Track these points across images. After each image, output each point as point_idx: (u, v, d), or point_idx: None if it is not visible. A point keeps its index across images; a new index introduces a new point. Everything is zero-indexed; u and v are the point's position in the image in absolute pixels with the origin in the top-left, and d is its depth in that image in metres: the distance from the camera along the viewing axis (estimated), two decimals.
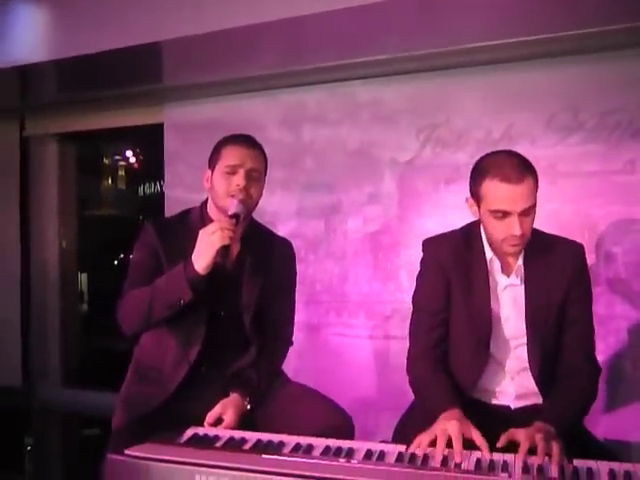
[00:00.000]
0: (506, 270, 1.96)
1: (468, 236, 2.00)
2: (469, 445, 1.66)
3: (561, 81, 2.83)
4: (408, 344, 2.06)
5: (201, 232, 1.93)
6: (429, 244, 2.07)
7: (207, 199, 2.18)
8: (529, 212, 1.82)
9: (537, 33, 2.63)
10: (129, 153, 4.54)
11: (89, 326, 4.42)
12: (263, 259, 2.19)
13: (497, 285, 1.96)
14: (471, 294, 1.96)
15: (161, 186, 3.73)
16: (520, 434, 1.65)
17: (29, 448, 3.73)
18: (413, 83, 3.09)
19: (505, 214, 1.81)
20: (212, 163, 2.14)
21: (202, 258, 1.91)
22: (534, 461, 1.57)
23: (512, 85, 2.90)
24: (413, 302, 2.08)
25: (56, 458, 4.09)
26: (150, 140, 3.76)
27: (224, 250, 1.90)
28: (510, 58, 2.87)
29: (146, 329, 2.09)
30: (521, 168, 1.81)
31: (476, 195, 1.89)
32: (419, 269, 2.08)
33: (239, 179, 2.05)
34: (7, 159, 4.11)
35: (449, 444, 1.64)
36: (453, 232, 2.07)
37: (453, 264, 1.98)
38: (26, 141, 4.14)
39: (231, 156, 2.09)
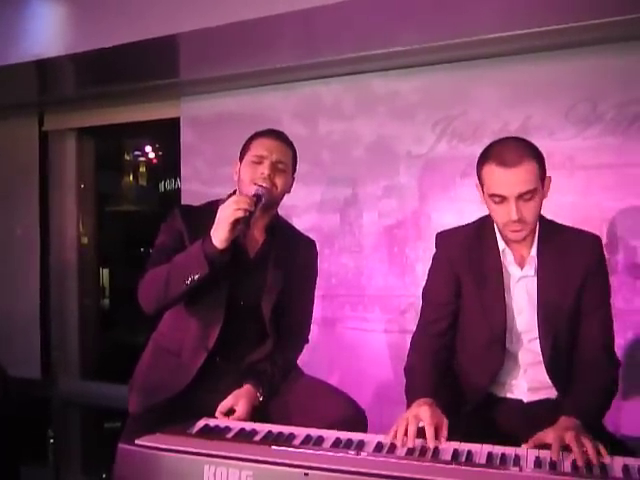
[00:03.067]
0: (519, 262, 1.94)
1: (481, 228, 2.00)
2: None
3: (579, 72, 2.79)
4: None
5: (220, 208, 1.95)
6: (441, 238, 2.07)
7: (234, 191, 2.20)
8: (529, 197, 1.80)
9: (554, 23, 2.59)
10: (148, 148, 4.55)
11: (111, 321, 4.46)
12: (287, 253, 2.21)
13: (510, 277, 1.94)
14: (485, 287, 1.94)
15: (181, 184, 3.74)
16: (549, 436, 1.62)
17: (52, 441, 3.79)
18: (429, 75, 3.07)
19: (502, 198, 1.81)
20: (242, 156, 2.18)
21: (219, 231, 1.92)
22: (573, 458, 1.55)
23: (529, 77, 2.87)
24: (422, 296, 2.09)
25: (77, 450, 4.15)
26: (170, 135, 3.78)
27: (240, 223, 1.90)
28: (527, 49, 2.83)
29: (165, 307, 2.09)
30: (519, 152, 1.80)
31: (480, 180, 1.90)
32: (431, 263, 2.08)
33: (264, 168, 2.09)
34: (27, 154, 4.14)
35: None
36: (466, 226, 2.06)
37: (464, 258, 1.97)
38: (45, 136, 4.17)
39: (259, 147, 2.14)
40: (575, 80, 2.80)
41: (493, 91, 2.95)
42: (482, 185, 1.89)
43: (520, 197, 1.79)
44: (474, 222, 2.05)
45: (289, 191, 2.23)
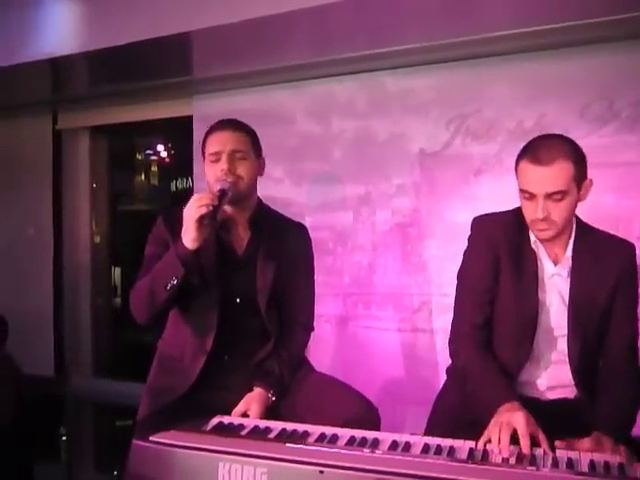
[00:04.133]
0: (553, 258, 1.92)
1: (518, 218, 1.94)
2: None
3: (595, 70, 2.76)
4: (451, 324, 2.02)
5: (185, 208, 1.93)
6: (478, 221, 2.02)
7: None
8: (559, 197, 1.77)
9: (569, 20, 2.56)
10: (161, 147, 4.55)
11: (122, 319, 4.46)
12: (276, 243, 2.18)
13: (544, 272, 1.92)
14: (520, 276, 1.91)
15: (194, 182, 3.74)
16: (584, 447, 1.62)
17: (64, 438, 3.80)
18: (443, 73, 3.04)
19: (531, 196, 1.80)
20: (203, 155, 2.17)
21: (187, 232, 1.91)
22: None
23: (544, 74, 2.84)
24: (459, 279, 2.03)
25: (89, 447, 4.16)
26: (182, 133, 3.78)
27: (206, 220, 1.88)
28: (542, 46, 2.80)
29: (155, 315, 2.08)
30: (556, 151, 1.78)
31: (516, 174, 1.88)
32: (467, 246, 2.03)
33: (223, 163, 2.07)
34: (40, 153, 4.16)
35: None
36: (504, 212, 2.02)
37: (504, 242, 1.93)
38: (59, 135, 4.18)
39: (213, 144, 2.12)
40: (591, 77, 2.77)
41: (507, 89, 2.92)
42: (517, 179, 1.87)
43: (549, 196, 1.77)
44: (510, 211, 2.00)
45: (261, 174, 2.21)
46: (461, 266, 2.04)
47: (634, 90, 2.70)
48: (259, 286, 2.14)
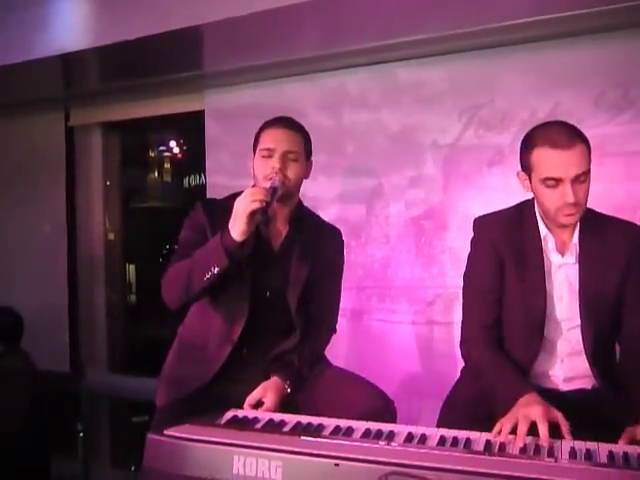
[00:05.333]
0: (560, 249, 1.91)
1: (521, 214, 1.95)
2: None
3: (609, 58, 2.73)
4: (460, 326, 2.02)
5: (236, 201, 1.93)
6: (480, 223, 2.02)
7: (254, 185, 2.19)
8: (582, 179, 1.77)
9: (584, 7, 2.53)
10: (173, 143, 4.56)
11: (137, 316, 4.48)
12: (312, 243, 2.19)
13: (551, 264, 1.91)
14: (525, 273, 1.90)
15: (206, 177, 3.74)
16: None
17: (81, 435, 3.82)
18: (455, 63, 3.02)
19: (557, 181, 1.77)
20: (254, 149, 2.16)
21: (236, 224, 1.91)
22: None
23: (558, 63, 2.81)
24: (465, 283, 2.04)
25: (106, 443, 4.18)
26: (194, 129, 3.78)
27: (257, 215, 1.88)
28: (556, 34, 2.77)
29: (187, 302, 2.08)
30: (570, 134, 1.78)
31: (527, 167, 1.85)
32: (470, 249, 2.04)
33: (274, 162, 2.06)
34: (53, 150, 4.17)
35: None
36: (505, 210, 2.02)
37: (505, 242, 1.93)
38: (71, 132, 4.19)
39: (267, 140, 2.11)
40: (605, 66, 2.74)
41: (520, 78, 2.89)
42: (530, 171, 1.85)
43: (576, 179, 1.76)
44: (512, 207, 2.01)
45: (307, 176, 2.21)
46: (466, 268, 2.05)
47: None
48: (291, 282, 2.14)
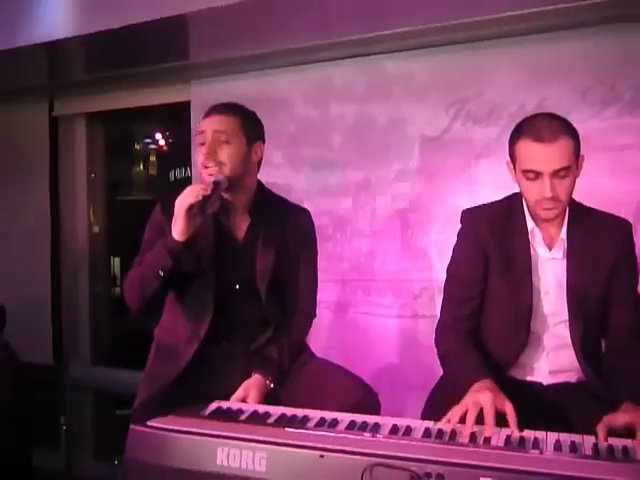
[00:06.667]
0: (548, 243, 1.90)
1: (509, 207, 1.95)
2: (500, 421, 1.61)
3: (597, 52, 2.72)
4: (438, 316, 2.02)
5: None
6: (467, 215, 2.02)
7: None
8: (562, 174, 1.76)
9: (571, 1, 2.52)
10: (158, 135, 4.52)
11: (121, 308, 4.45)
12: (277, 228, 2.14)
13: (538, 258, 1.90)
14: (511, 267, 1.90)
15: (192, 169, 3.71)
16: (620, 419, 1.58)
17: (64, 427, 3.79)
18: (443, 56, 3.00)
19: (537, 174, 1.77)
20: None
21: (176, 223, 1.90)
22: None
23: (545, 57, 2.80)
24: (447, 273, 2.04)
25: (89, 436, 4.15)
26: (180, 120, 3.75)
27: (195, 209, 1.85)
28: (543, 28, 2.76)
29: (147, 303, 2.06)
30: (556, 128, 1.77)
31: (512, 157, 1.86)
32: (456, 240, 2.03)
33: (205, 148, 2.02)
34: (37, 140, 4.12)
35: (480, 418, 1.59)
36: (493, 203, 2.02)
37: (492, 236, 1.92)
38: (55, 123, 4.14)
39: (198, 127, 2.08)
40: (592, 60, 2.73)
41: (508, 72, 2.89)
42: (514, 162, 1.85)
43: (555, 174, 1.75)
44: (501, 200, 2.01)
45: (258, 160, 2.14)
46: (450, 259, 2.05)
47: (636, 73, 2.67)
48: (259, 271, 2.11)
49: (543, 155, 1.75)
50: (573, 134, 1.80)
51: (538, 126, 1.78)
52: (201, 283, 2.07)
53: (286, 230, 2.16)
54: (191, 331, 2.08)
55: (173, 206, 1.96)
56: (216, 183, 1.94)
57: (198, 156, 2.05)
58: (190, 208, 1.85)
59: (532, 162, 1.77)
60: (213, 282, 2.07)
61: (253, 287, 2.11)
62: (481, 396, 1.63)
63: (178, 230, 1.89)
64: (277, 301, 2.15)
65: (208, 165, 2.00)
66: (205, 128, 2.04)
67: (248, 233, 2.13)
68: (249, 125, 2.11)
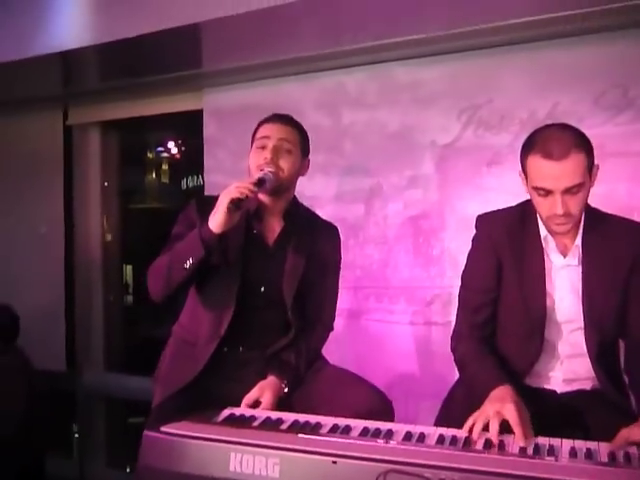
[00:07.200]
0: (562, 250, 1.88)
1: (523, 213, 1.93)
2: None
3: (609, 57, 2.71)
4: (454, 323, 2.01)
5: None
6: (482, 221, 2.00)
7: None
8: (575, 190, 1.72)
9: (583, 7, 2.52)
10: (171, 144, 4.55)
11: (134, 317, 4.47)
12: (308, 239, 2.18)
13: (552, 265, 1.88)
14: (525, 274, 1.88)
15: (204, 176, 3.73)
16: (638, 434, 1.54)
17: (77, 435, 3.81)
18: (454, 63, 3.00)
19: (547, 192, 1.73)
20: (251, 144, 2.17)
21: (215, 215, 1.90)
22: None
23: (557, 63, 2.80)
24: (462, 280, 2.02)
25: (101, 443, 4.16)
26: (192, 129, 3.77)
27: (234, 204, 1.87)
28: (555, 34, 2.75)
29: (170, 294, 2.05)
30: (567, 143, 1.71)
31: (524, 170, 1.83)
32: (471, 246, 2.02)
33: (267, 152, 2.07)
34: (51, 149, 4.15)
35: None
36: (508, 209, 2.00)
37: (507, 242, 1.90)
38: (69, 131, 4.18)
39: (262, 132, 2.13)
40: (605, 65, 2.72)
41: (520, 78, 2.88)
42: (526, 176, 1.82)
43: (567, 191, 1.71)
44: (515, 206, 1.99)
45: (303, 174, 2.21)
46: (465, 265, 2.04)
47: None
48: (287, 277, 2.13)
49: (554, 173, 1.70)
50: (586, 147, 1.75)
51: (548, 141, 1.73)
52: (226, 281, 2.08)
53: (316, 242, 2.20)
54: (211, 330, 2.08)
55: (209, 206, 1.99)
56: (262, 180, 1.97)
57: (254, 159, 2.09)
58: (231, 202, 1.87)
59: (542, 180, 1.73)
60: (238, 281, 2.08)
61: (278, 291, 2.13)
62: (505, 408, 1.60)
63: (217, 222, 1.89)
64: (300, 309, 2.16)
65: (266, 169, 2.03)
66: (270, 134, 2.10)
67: (279, 239, 2.16)
68: (305, 141, 2.21)
